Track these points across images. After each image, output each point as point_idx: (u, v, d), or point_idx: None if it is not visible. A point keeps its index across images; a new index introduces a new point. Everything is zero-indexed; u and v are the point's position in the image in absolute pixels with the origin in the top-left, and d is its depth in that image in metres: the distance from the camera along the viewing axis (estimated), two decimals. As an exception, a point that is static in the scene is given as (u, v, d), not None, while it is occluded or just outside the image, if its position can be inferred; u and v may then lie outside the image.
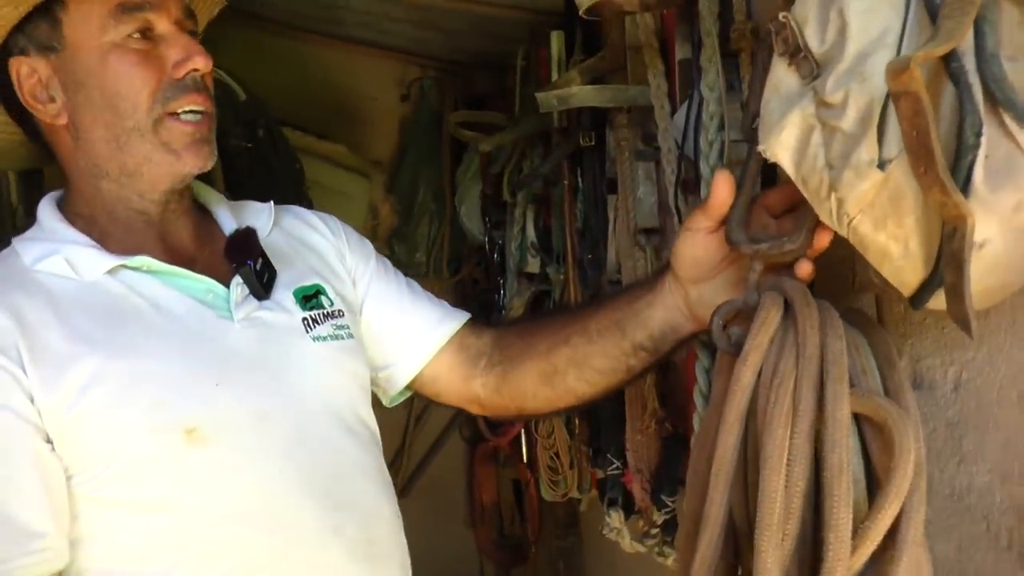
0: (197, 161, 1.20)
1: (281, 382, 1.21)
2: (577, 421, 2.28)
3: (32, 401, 1.07)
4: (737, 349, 1.10)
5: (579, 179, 2.24)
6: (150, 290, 1.18)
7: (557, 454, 2.66)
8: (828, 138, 0.98)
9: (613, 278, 2.01)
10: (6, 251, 1.22)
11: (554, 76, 2.20)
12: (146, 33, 1.17)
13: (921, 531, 0.91)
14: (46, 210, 1.25)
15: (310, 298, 1.30)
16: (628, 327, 1.28)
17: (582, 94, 1.84)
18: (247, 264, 1.22)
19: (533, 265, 2.56)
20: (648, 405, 1.92)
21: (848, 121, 0.94)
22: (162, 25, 1.18)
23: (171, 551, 1.11)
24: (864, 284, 1.15)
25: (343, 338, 1.31)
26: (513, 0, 2.48)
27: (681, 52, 1.66)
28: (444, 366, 1.43)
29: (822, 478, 0.90)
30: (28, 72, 1.18)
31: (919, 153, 0.81)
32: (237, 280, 1.22)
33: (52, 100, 1.19)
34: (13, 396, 1.06)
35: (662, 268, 1.26)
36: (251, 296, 1.23)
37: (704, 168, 1.50)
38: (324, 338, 1.28)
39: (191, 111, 1.19)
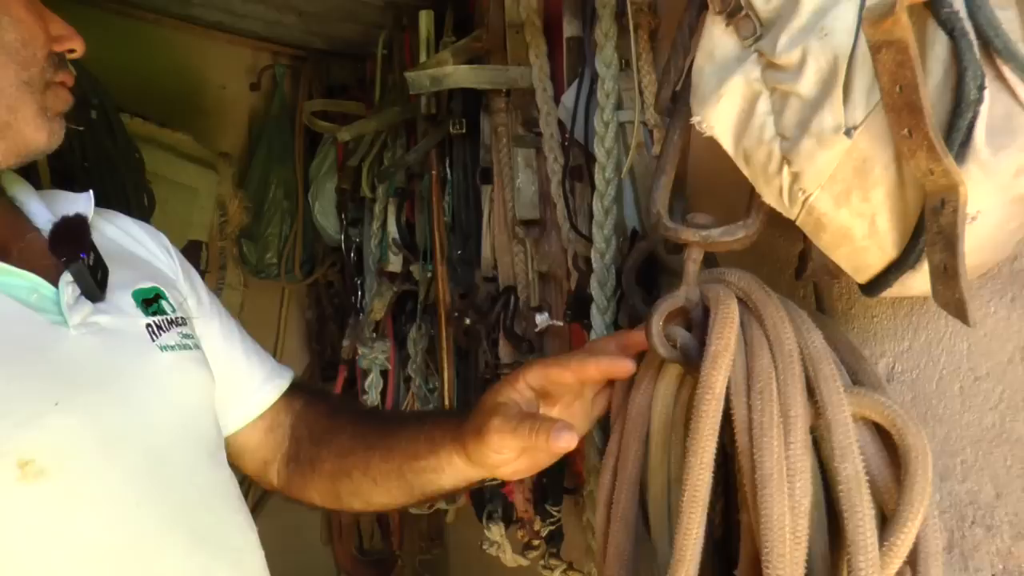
0: (59, 136, 1.04)
1: (131, 399, 0.99)
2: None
3: None
4: (684, 355, 0.99)
5: (448, 170, 2.10)
6: None
7: (422, 464, 2.52)
8: (779, 105, 0.88)
9: (489, 274, 1.88)
10: None
11: (423, 57, 2.06)
12: None
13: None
14: None
15: (150, 302, 1.11)
16: (414, 482, 1.19)
17: (458, 74, 1.70)
18: (80, 258, 1.01)
19: (395, 263, 2.39)
20: (530, 409, 1.79)
21: (806, 84, 0.84)
22: None
23: None
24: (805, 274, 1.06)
25: (191, 348, 1.12)
26: (374, -20, 2.33)
27: (570, 29, 1.55)
28: (251, 442, 1.31)
29: (835, 492, 0.79)
30: None
31: (902, 112, 0.71)
32: (67, 277, 1.00)
33: None
34: None
35: (455, 427, 1.13)
36: (84, 297, 1.01)
37: (599, 151, 1.39)
38: (172, 347, 1.08)
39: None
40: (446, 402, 2.11)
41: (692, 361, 0.98)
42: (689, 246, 1.01)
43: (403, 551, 3.15)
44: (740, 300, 0.97)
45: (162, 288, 1.14)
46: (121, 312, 1.05)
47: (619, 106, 1.39)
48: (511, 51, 1.72)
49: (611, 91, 1.37)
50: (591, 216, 1.54)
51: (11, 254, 1.01)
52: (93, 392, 0.96)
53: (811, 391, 0.90)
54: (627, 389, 1.15)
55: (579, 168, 1.53)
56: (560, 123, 1.65)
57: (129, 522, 0.94)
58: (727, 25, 0.94)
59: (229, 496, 1.10)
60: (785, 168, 0.89)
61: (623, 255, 1.39)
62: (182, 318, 1.13)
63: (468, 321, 1.89)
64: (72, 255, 1.01)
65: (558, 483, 1.79)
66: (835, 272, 1.03)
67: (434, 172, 2.09)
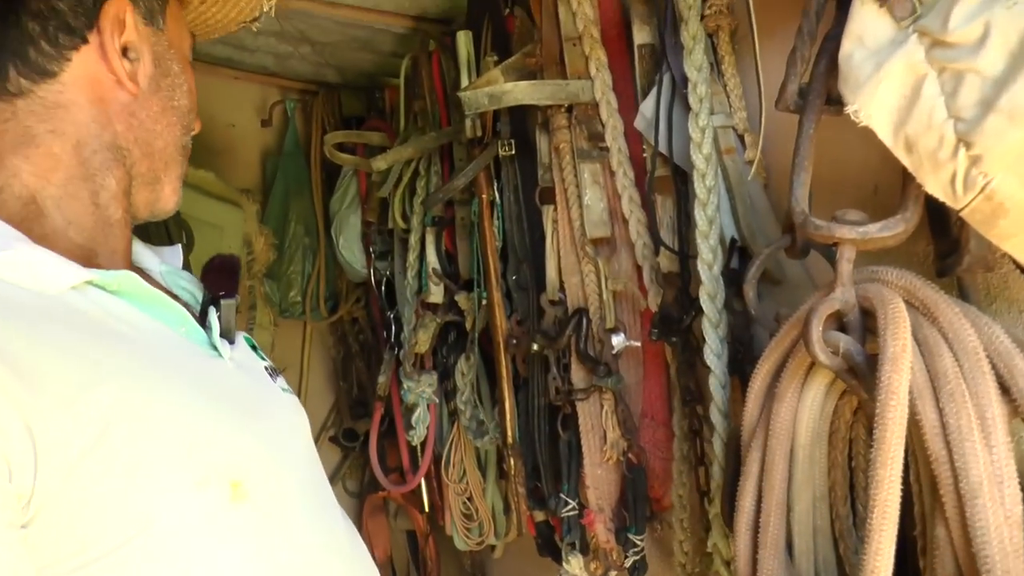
0: (178, 205, 1.10)
1: (283, 431, 1.02)
2: (512, 460, 2.05)
3: (13, 465, 0.73)
4: (847, 361, 0.93)
5: (496, 193, 2.03)
6: (126, 315, 0.91)
7: (470, 498, 2.44)
8: (951, 85, 0.83)
9: (555, 298, 1.81)
10: None
11: (464, 80, 2.00)
12: None
13: None
14: None
15: (254, 348, 1.13)
16: None
17: (517, 91, 1.64)
18: (233, 296, 1.03)
19: (436, 294, 2.31)
20: (608, 435, 1.73)
21: (989, 59, 0.79)
22: None
23: None
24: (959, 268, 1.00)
25: (293, 393, 1.14)
26: (396, 6, 2.27)
27: (641, 36, 1.50)
28: None
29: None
30: (132, 23, 1.00)
31: None
32: (215, 312, 1.01)
33: (133, 62, 1.00)
34: None
35: None
36: (222, 336, 1.01)
37: (697, 158, 1.33)
38: (286, 390, 1.11)
39: None
40: (508, 432, 2.03)
41: (857, 368, 0.92)
42: (842, 245, 0.95)
43: (441, 590, 3.06)
44: (904, 299, 0.91)
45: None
46: (247, 352, 1.08)
47: (711, 110, 1.34)
48: (570, 65, 1.66)
49: (705, 96, 1.32)
50: (676, 229, 1.48)
51: None
52: (260, 420, 0.98)
53: (1003, 389, 0.85)
54: (763, 403, 1.09)
55: (662, 179, 1.47)
56: (628, 136, 1.60)
57: (305, 543, 0.96)
58: (879, 7, 0.88)
59: (350, 522, 1.11)
60: (961, 152, 0.83)
61: (724, 266, 1.33)
62: (275, 368, 1.16)
63: (536, 347, 1.82)
64: (229, 291, 1.04)
65: (642, 510, 1.72)
66: (991, 265, 0.98)
67: (483, 196, 2.02)
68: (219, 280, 1.07)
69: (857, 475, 1.06)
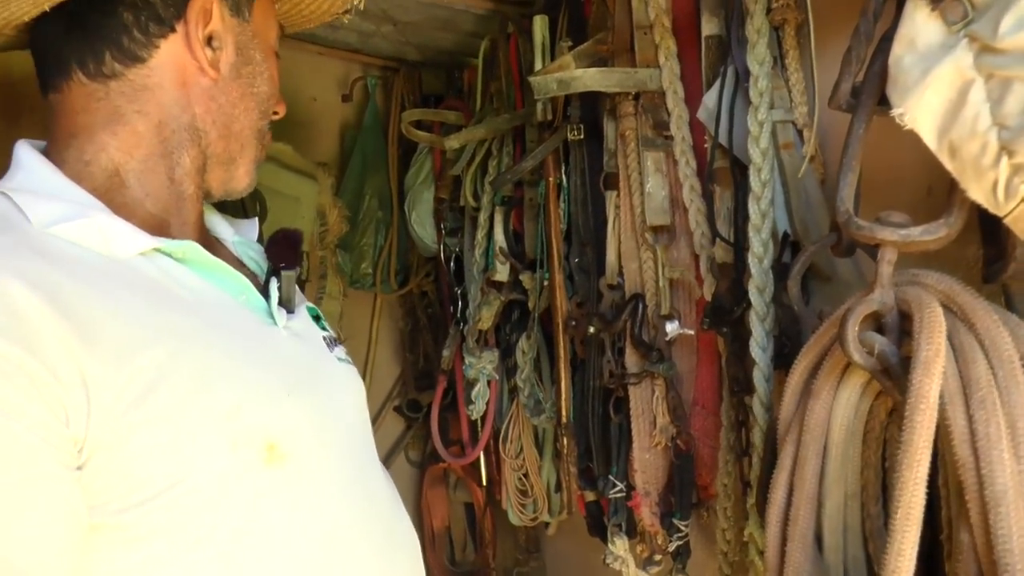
0: (252, 187, 1.17)
1: (332, 397, 1.07)
2: (565, 440, 2.08)
3: (69, 414, 0.80)
4: (881, 362, 0.94)
5: (564, 176, 2.06)
6: (189, 281, 0.99)
7: (526, 475, 2.48)
8: (998, 92, 0.83)
9: (614, 282, 1.83)
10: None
11: (538, 64, 2.02)
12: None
13: None
14: (38, 161, 0.99)
15: (316, 319, 1.20)
16: None
17: (587, 77, 1.66)
18: (294, 268, 1.09)
19: (502, 272, 2.35)
20: (658, 420, 1.75)
21: (1036, 68, 0.79)
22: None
23: None
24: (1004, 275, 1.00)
25: (351, 363, 1.20)
26: (478, -13, 2.30)
27: (709, 27, 1.51)
28: None
29: None
30: (218, 14, 1.07)
31: None
32: (276, 282, 1.07)
33: (216, 50, 1.07)
34: (31, 411, 0.78)
35: None
36: (280, 305, 1.07)
37: (754, 152, 1.34)
38: (343, 360, 1.17)
39: None
40: (563, 413, 2.07)
41: (890, 370, 0.93)
42: (884, 246, 0.96)
43: (497, 563, 3.11)
44: (941, 304, 0.91)
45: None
46: (306, 322, 1.14)
47: (771, 104, 1.34)
48: (639, 53, 1.67)
49: (765, 90, 1.33)
50: (732, 220, 1.49)
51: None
52: (307, 387, 1.03)
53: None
54: (799, 399, 1.10)
55: (720, 170, 1.48)
56: (693, 126, 1.61)
57: (341, 507, 1.01)
58: (931, 10, 0.88)
59: (395, 492, 1.16)
60: (1004, 160, 0.83)
61: (775, 260, 1.34)
62: (335, 338, 1.21)
63: (592, 329, 1.84)
64: (289, 263, 1.10)
65: (688, 496, 1.74)
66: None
67: (550, 179, 2.05)
68: (281, 252, 1.12)
69: (890, 475, 1.06)
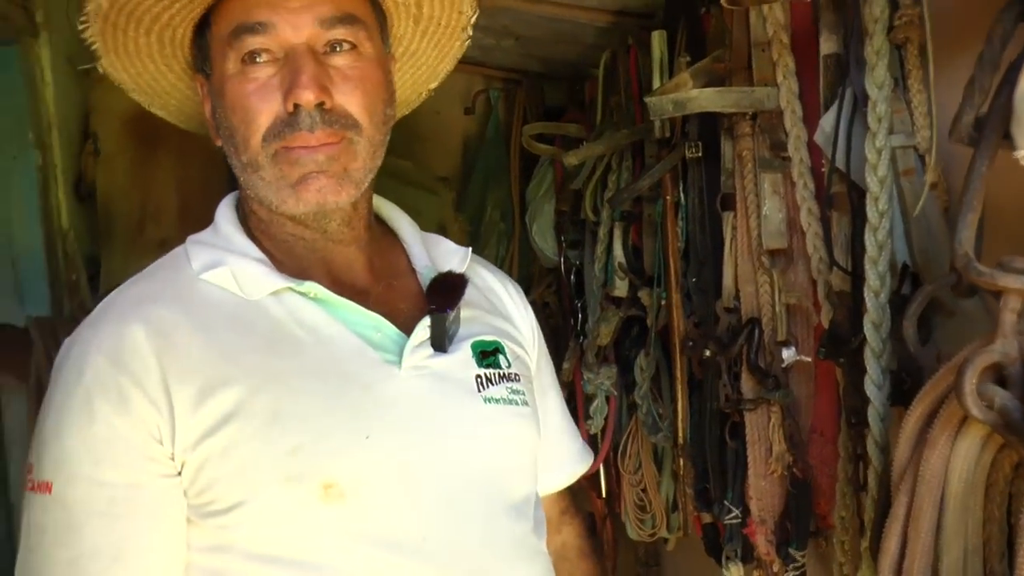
0: (316, 197, 1.05)
1: (440, 442, 1.06)
2: (681, 461, 2.05)
3: (163, 434, 0.97)
4: (1003, 417, 0.89)
5: (682, 194, 2.03)
6: (313, 320, 1.05)
7: (645, 490, 2.45)
8: None
9: (730, 305, 1.79)
10: (178, 251, 1.13)
11: (656, 81, 2.00)
12: (276, 55, 1.04)
13: None
14: (224, 212, 1.15)
15: (488, 355, 1.16)
16: None
17: (702, 98, 1.64)
18: (445, 312, 1.09)
19: (621, 288, 2.33)
20: (774, 448, 1.70)
21: None
22: (289, 44, 1.03)
23: None
24: None
25: (518, 404, 1.16)
26: (598, 2, 2.28)
27: (828, 46, 1.45)
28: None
29: None
30: (200, 90, 1.13)
31: None
32: (425, 322, 1.08)
33: (213, 120, 1.11)
34: (137, 435, 0.97)
35: None
36: (428, 343, 1.09)
37: (871, 180, 1.29)
38: (497, 400, 1.13)
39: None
40: (679, 433, 2.04)
41: (1013, 424, 0.88)
42: (1007, 294, 0.90)
43: (617, 575, 3.09)
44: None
45: (503, 342, 1.18)
46: (455, 361, 1.11)
47: (890, 130, 1.28)
48: (757, 71, 1.63)
49: (884, 115, 1.27)
50: (849, 247, 1.44)
51: (369, 296, 1.12)
52: (403, 431, 1.04)
53: None
54: (914, 446, 1.05)
55: (838, 195, 1.43)
56: (811, 147, 1.56)
57: (414, 554, 1.01)
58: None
59: (525, 548, 1.13)
60: None
61: (893, 292, 1.28)
62: (515, 374, 1.18)
63: (708, 353, 1.81)
64: (441, 307, 1.09)
65: (804, 526, 1.69)
66: None
67: (668, 197, 2.02)
68: (441, 295, 1.13)
69: (1017, 532, 1.00)
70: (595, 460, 2.66)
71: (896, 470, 1.05)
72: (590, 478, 2.92)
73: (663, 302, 2.11)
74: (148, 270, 1.12)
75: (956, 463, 0.98)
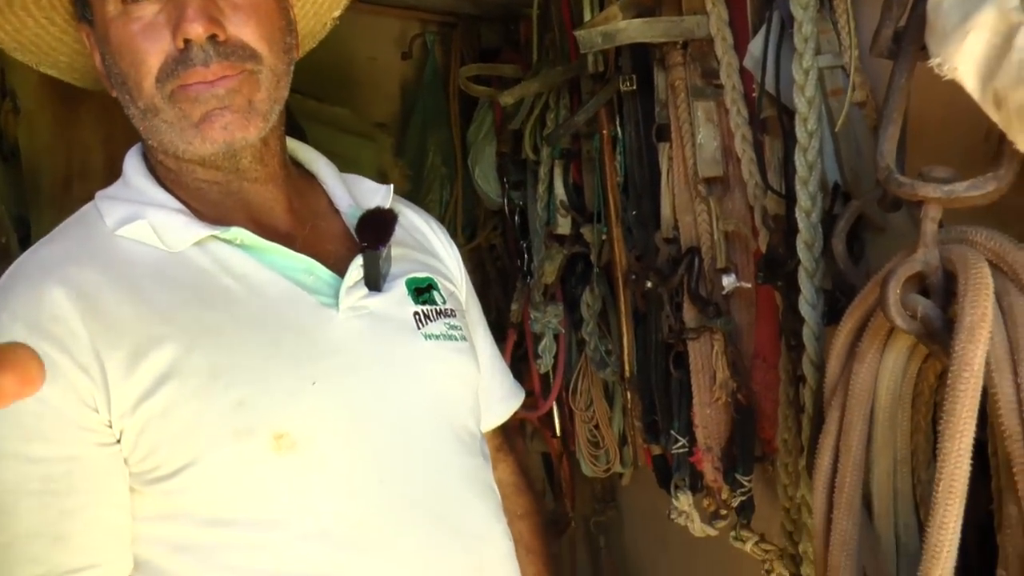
0: (223, 135, 1.00)
1: (386, 383, 1.04)
2: (629, 395, 2.07)
3: (97, 401, 0.93)
4: (925, 327, 0.89)
5: (618, 129, 2.01)
6: (242, 267, 1.01)
7: (597, 426, 2.48)
8: (1046, 37, 0.77)
9: (669, 235, 1.79)
10: (87, 209, 1.08)
11: (587, 15, 1.97)
12: None
13: None
14: (132, 164, 1.10)
15: (422, 291, 1.15)
16: None
17: (631, 29, 1.62)
18: (378, 249, 1.06)
19: (564, 226, 2.33)
20: (718, 375, 1.72)
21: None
22: None
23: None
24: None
25: (456, 339, 1.15)
26: (529, -63, 2.25)
27: (754, -30, 1.44)
28: None
29: None
30: (87, 41, 1.08)
31: None
32: (358, 261, 1.05)
33: (104, 70, 1.06)
34: (69, 405, 0.92)
35: None
36: (362, 283, 1.06)
37: (799, 101, 1.29)
38: (436, 336, 1.13)
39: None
40: (625, 367, 2.05)
41: (935, 334, 0.89)
42: (927, 203, 0.91)
43: (576, 512, 3.13)
44: (991, 263, 0.87)
45: (436, 279, 1.17)
46: (392, 299, 1.10)
47: (817, 50, 1.28)
48: (686, 0, 1.61)
49: (809, 35, 1.27)
50: (783, 170, 1.44)
51: (295, 239, 1.09)
52: (349, 374, 1.02)
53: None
54: (844, 362, 1.06)
55: (769, 119, 1.42)
56: (743, 73, 1.55)
57: (372, 497, 0.99)
58: (971, -50, 0.83)
59: (477, 483, 1.12)
60: (1052, 109, 0.78)
61: (825, 212, 1.29)
62: (451, 309, 1.17)
63: (649, 284, 1.82)
64: (373, 244, 1.07)
65: (749, 452, 1.71)
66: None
67: (604, 132, 2.01)
68: (371, 232, 1.10)
69: (941, 439, 1.02)
70: (547, 399, 2.69)
71: (828, 386, 1.07)
72: (543, 418, 2.94)
73: (605, 237, 2.11)
74: (57, 230, 1.06)
75: (884, 375, 1.00)
